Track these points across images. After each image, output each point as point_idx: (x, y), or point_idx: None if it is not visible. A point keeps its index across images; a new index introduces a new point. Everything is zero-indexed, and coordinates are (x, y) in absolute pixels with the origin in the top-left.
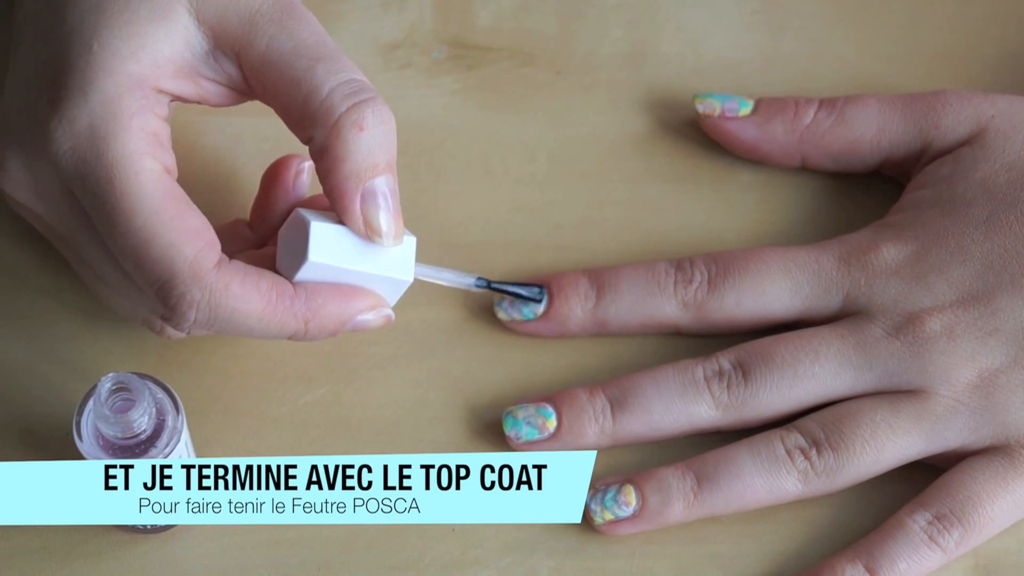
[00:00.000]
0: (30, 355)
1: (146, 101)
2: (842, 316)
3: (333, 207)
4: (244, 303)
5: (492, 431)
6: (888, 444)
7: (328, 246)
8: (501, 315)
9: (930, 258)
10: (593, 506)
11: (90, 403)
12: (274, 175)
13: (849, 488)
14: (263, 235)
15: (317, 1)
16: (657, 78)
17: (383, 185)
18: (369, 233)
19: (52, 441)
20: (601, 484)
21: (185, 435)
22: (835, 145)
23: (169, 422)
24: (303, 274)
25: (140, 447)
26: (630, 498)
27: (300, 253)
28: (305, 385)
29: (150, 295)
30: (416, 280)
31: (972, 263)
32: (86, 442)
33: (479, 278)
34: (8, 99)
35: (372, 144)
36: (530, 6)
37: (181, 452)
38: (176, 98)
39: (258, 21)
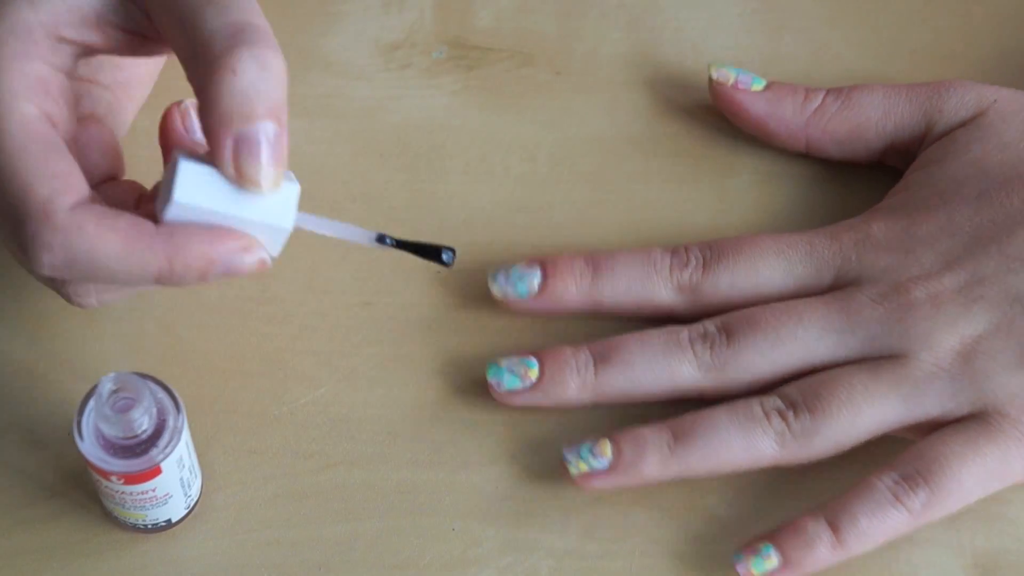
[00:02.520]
0: (30, 355)
1: (34, 47)
2: (833, 290)
3: (210, 156)
4: (100, 242)
5: (491, 429)
6: (865, 407)
7: (198, 187)
8: (496, 292)
9: (920, 232)
10: (569, 457)
11: (91, 403)
12: (163, 126)
13: (847, 481)
14: None
15: (317, 1)
16: (657, 78)
17: (261, 132)
18: (240, 180)
19: (52, 441)
20: (579, 440)
21: (186, 435)
22: (841, 129)
23: (170, 422)
24: (170, 215)
25: (141, 447)
26: (605, 450)
27: (168, 194)
28: (305, 385)
29: (7, 240)
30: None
31: (961, 236)
32: (87, 442)
33: (380, 234)
34: None
35: (247, 88)
36: (530, 6)
37: (182, 452)
38: (87, 48)
39: None
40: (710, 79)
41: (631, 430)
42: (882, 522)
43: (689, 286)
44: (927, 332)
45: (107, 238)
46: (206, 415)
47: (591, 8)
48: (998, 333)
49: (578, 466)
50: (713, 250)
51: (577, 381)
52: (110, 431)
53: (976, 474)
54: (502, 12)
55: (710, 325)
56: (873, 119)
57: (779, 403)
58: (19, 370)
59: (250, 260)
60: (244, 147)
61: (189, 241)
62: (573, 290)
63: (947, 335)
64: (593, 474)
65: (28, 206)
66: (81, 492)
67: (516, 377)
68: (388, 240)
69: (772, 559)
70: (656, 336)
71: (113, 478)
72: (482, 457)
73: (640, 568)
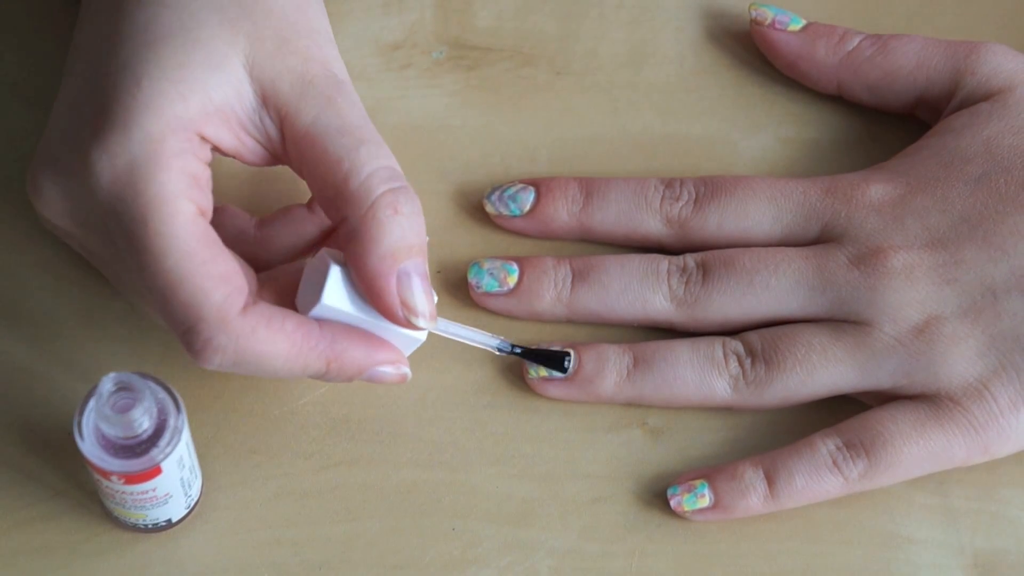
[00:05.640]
0: (30, 355)
1: (189, 144)
2: (818, 244)
3: (367, 289)
4: (271, 346)
5: (491, 429)
6: (819, 368)
7: (344, 292)
8: (489, 208)
9: (914, 202)
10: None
11: (91, 403)
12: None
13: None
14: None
15: None
16: (657, 78)
17: (418, 267)
18: (406, 313)
19: (53, 441)
20: (545, 344)
21: (186, 435)
22: (872, 74)
23: (170, 422)
24: (315, 314)
25: (141, 447)
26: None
27: (317, 293)
28: (305, 385)
29: (176, 337)
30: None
31: (951, 214)
32: (87, 442)
33: (503, 341)
34: (53, 123)
35: (407, 227)
36: (530, 6)
37: (182, 452)
38: (214, 147)
39: (309, 92)
40: (749, 18)
41: (595, 345)
42: (817, 484)
43: (678, 220)
44: (895, 305)
45: (276, 341)
46: (206, 415)
47: (591, 8)
48: (964, 319)
49: (537, 370)
50: (708, 186)
51: (552, 294)
52: (110, 431)
53: (917, 455)
54: (502, 12)
55: (690, 260)
56: (905, 68)
57: (740, 348)
58: (19, 370)
59: (394, 373)
60: (407, 281)
61: (348, 349)
62: (564, 214)
63: (913, 311)
64: (550, 380)
65: (203, 311)
66: (81, 492)
67: (495, 281)
68: (513, 349)
69: (705, 498)
70: (636, 262)
71: (113, 478)
72: (482, 457)
73: (640, 568)
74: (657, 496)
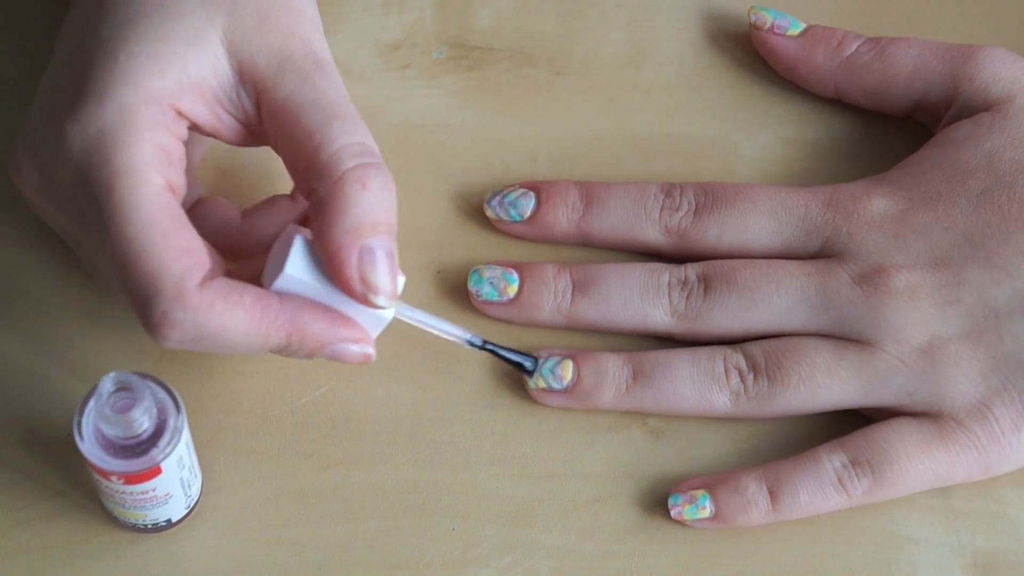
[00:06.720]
0: (30, 355)
1: (162, 117)
2: (819, 258)
3: (329, 263)
4: (229, 319)
5: (491, 429)
6: (823, 387)
7: (308, 264)
8: (489, 213)
9: (916, 219)
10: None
11: (91, 403)
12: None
13: None
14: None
15: (317, 1)
16: (657, 78)
17: (383, 244)
18: (365, 289)
19: (53, 441)
20: (545, 352)
21: (186, 435)
22: (870, 79)
23: (170, 422)
24: (279, 286)
25: (141, 447)
26: (566, 372)
27: (281, 265)
28: (305, 385)
29: (134, 312)
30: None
31: (954, 232)
32: (87, 442)
33: (474, 335)
34: (35, 102)
35: (374, 203)
36: (530, 6)
37: (182, 452)
38: (192, 124)
39: (286, 68)
40: (748, 22)
41: (594, 357)
42: (821, 500)
43: (677, 230)
44: (898, 325)
45: (234, 315)
46: (206, 415)
47: (591, 8)
48: (967, 340)
49: (537, 382)
50: (708, 195)
51: (552, 305)
52: (110, 431)
53: (922, 473)
54: (502, 12)
55: (691, 273)
56: (902, 74)
57: (742, 362)
58: (19, 370)
59: (357, 352)
60: (369, 257)
61: (309, 323)
62: (564, 221)
63: (916, 332)
64: (550, 392)
65: (160, 283)
66: (81, 492)
67: (495, 290)
68: (479, 344)
69: (706, 510)
70: (636, 274)
71: (113, 478)
72: (482, 457)
73: (640, 568)
74: (657, 497)
